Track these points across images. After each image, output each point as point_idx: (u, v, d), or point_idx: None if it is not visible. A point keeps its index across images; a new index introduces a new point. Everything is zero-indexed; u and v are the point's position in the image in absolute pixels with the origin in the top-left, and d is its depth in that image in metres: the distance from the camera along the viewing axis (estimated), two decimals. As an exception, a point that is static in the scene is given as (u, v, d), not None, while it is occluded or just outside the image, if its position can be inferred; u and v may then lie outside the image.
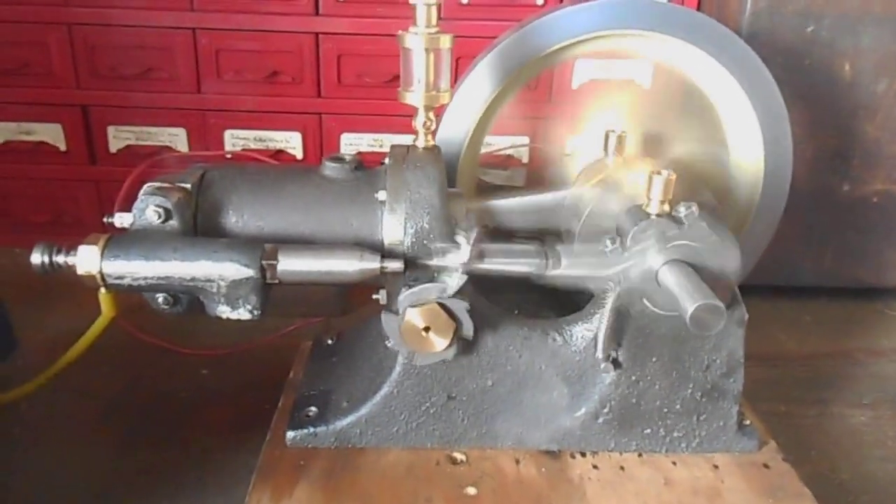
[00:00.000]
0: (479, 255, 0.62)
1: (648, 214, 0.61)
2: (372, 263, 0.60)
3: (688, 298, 0.54)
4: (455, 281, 0.61)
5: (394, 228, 0.63)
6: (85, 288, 0.60)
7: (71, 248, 0.59)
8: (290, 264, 0.59)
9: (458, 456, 0.68)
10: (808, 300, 1.19)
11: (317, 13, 1.19)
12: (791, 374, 0.98)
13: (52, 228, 1.31)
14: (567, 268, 0.63)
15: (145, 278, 0.58)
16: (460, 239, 0.62)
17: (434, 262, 0.62)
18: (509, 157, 1.28)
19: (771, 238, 0.88)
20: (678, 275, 0.57)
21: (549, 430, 0.68)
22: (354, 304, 0.75)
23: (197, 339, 0.90)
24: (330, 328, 0.90)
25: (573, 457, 0.68)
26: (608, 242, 0.63)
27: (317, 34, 1.20)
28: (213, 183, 0.66)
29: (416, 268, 0.62)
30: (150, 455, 0.79)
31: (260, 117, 1.26)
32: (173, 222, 0.61)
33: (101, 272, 0.58)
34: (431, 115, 0.68)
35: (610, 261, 0.62)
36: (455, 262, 0.61)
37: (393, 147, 0.69)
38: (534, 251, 0.64)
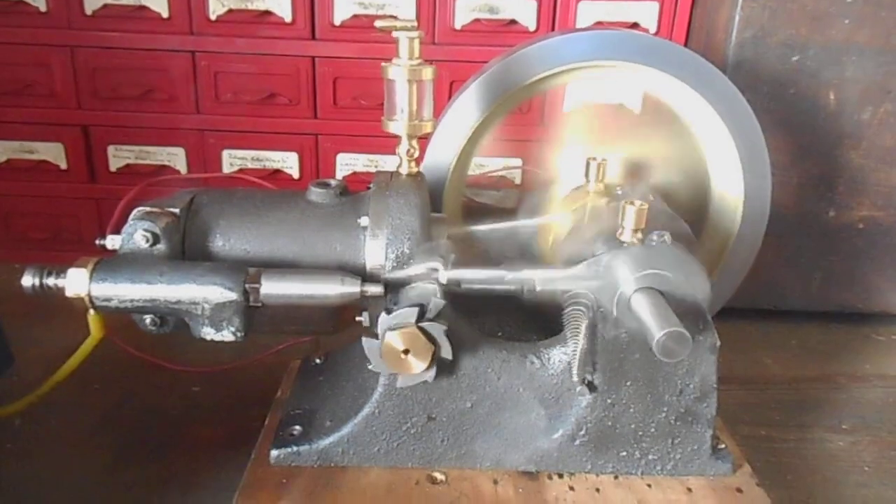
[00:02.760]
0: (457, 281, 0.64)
1: (622, 242, 0.63)
2: (353, 288, 0.62)
3: (655, 326, 0.56)
4: (433, 302, 0.63)
5: (376, 253, 0.65)
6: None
7: (61, 271, 0.61)
8: (273, 288, 0.61)
9: (438, 476, 0.69)
10: (796, 324, 1.20)
11: (313, 38, 1.22)
12: (774, 398, 0.99)
13: (51, 245, 1.33)
14: (540, 277, 0.65)
15: (132, 301, 0.60)
16: (436, 260, 0.63)
17: (409, 277, 0.64)
18: (502, 178, 1.30)
19: (751, 266, 0.89)
20: (648, 302, 0.59)
21: (526, 451, 0.69)
22: (345, 322, 0.77)
23: (189, 355, 0.92)
24: (319, 347, 0.92)
25: (550, 478, 0.69)
26: (583, 266, 0.65)
27: (313, 58, 1.23)
28: (201, 207, 0.68)
29: (396, 291, 0.64)
30: (139, 471, 0.80)
31: (257, 138, 1.28)
32: (161, 246, 0.63)
33: (89, 294, 0.60)
34: (415, 143, 0.70)
35: (583, 283, 0.64)
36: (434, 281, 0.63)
37: (378, 174, 0.71)
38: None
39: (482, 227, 0.75)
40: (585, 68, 0.83)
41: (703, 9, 1.17)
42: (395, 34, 0.66)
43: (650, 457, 0.69)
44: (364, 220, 0.66)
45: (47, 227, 1.33)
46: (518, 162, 1.26)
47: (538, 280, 0.65)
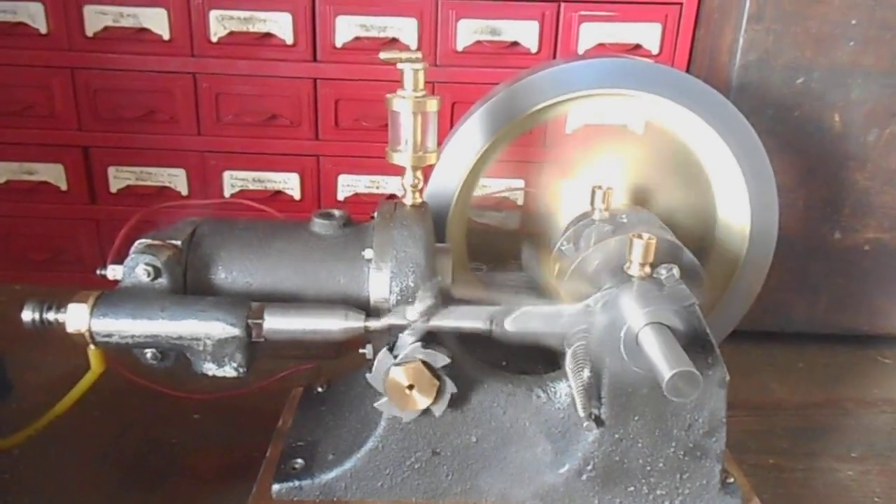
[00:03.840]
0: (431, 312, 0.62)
1: (630, 276, 0.63)
2: (356, 322, 0.61)
3: (665, 365, 0.55)
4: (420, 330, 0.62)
5: (380, 286, 0.64)
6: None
7: (61, 305, 0.60)
8: (276, 323, 0.60)
9: (443, 511, 0.69)
10: (802, 347, 1.19)
11: (315, 59, 1.22)
12: (781, 425, 0.97)
13: (51, 266, 1.32)
14: (536, 322, 0.64)
15: (133, 336, 0.60)
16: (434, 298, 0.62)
17: (389, 320, 0.63)
18: (505, 199, 1.30)
19: (758, 292, 0.88)
20: (656, 339, 0.58)
21: (532, 486, 0.68)
22: (347, 348, 0.76)
23: (190, 382, 0.91)
24: (321, 374, 0.91)
25: (557, 513, 0.69)
26: (590, 302, 0.64)
27: (315, 79, 1.22)
28: (203, 239, 0.67)
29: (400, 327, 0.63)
30: (140, 502, 0.79)
31: (258, 159, 1.28)
32: (162, 280, 0.62)
33: (89, 330, 0.59)
34: (419, 174, 0.69)
35: (590, 318, 0.63)
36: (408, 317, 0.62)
37: (381, 204, 0.71)
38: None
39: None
40: (591, 97, 0.82)
41: (706, 31, 1.17)
42: (399, 66, 0.65)
43: (658, 492, 0.68)
44: (368, 253, 0.65)
45: (47, 248, 1.32)
46: (521, 183, 1.25)
47: (543, 319, 0.64)
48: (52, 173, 1.28)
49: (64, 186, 1.28)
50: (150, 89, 1.23)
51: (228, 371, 0.61)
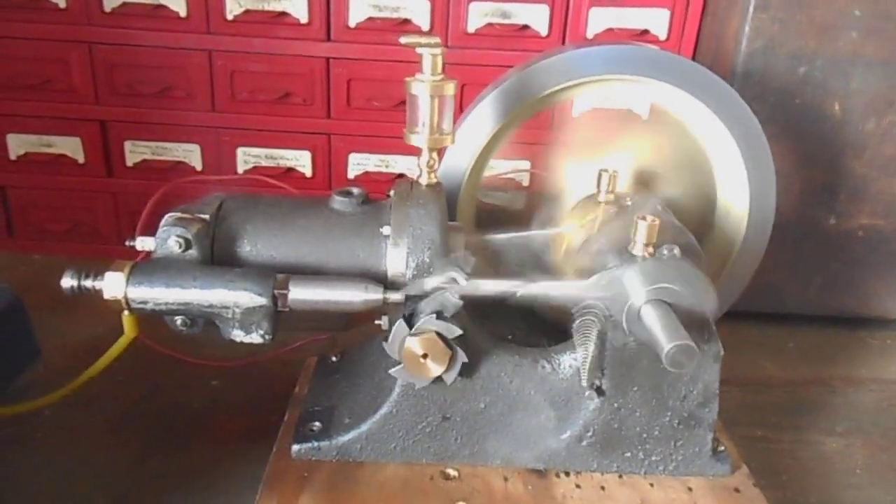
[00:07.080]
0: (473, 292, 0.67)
1: (634, 256, 0.66)
2: (375, 295, 0.65)
3: (664, 338, 0.59)
4: (451, 305, 0.66)
5: (397, 261, 0.68)
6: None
7: (99, 274, 0.64)
8: (301, 294, 0.64)
9: (451, 472, 0.73)
10: (794, 328, 1.23)
11: (328, 39, 1.24)
12: (771, 400, 1.02)
13: (70, 237, 1.36)
14: (555, 288, 0.68)
15: (166, 303, 0.63)
16: (456, 271, 0.66)
17: (430, 288, 0.66)
18: (511, 180, 1.33)
19: (753, 273, 0.92)
20: (657, 314, 0.62)
21: (536, 450, 0.73)
22: (357, 320, 0.80)
23: (210, 350, 0.95)
24: (335, 345, 0.95)
25: (558, 476, 0.73)
26: (596, 279, 0.68)
27: (328, 59, 1.25)
28: (229, 214, 0.71)
29: (415, 298, 0.67)
30: (164, 463, 0.83)
31: (271, 136, 1.31)
32: (193, 251, 0.66)
33: (125, 297, 0.63)
34: (435, 155, 0.73)
35: (596, 294, 0.67)
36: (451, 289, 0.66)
37: (398, 183, 0.74)
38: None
39: (498, 237, 0.78)
40: (598, 82, 0.85)
41: (713, 18, 1.20)
42: (418, 50, 0.68)
43: (653, 458, 0.73)
44: (386, 229, 0.69)
45: (65, 220, 1.36)
46: (527, 165, 1.28)
47: (552, 292, 0.68)
48: (70, 146, 1.31)
49: (81, 160, 1.32)
50: (167, 65, 1.26)
51: (255, 338, 0.65)
